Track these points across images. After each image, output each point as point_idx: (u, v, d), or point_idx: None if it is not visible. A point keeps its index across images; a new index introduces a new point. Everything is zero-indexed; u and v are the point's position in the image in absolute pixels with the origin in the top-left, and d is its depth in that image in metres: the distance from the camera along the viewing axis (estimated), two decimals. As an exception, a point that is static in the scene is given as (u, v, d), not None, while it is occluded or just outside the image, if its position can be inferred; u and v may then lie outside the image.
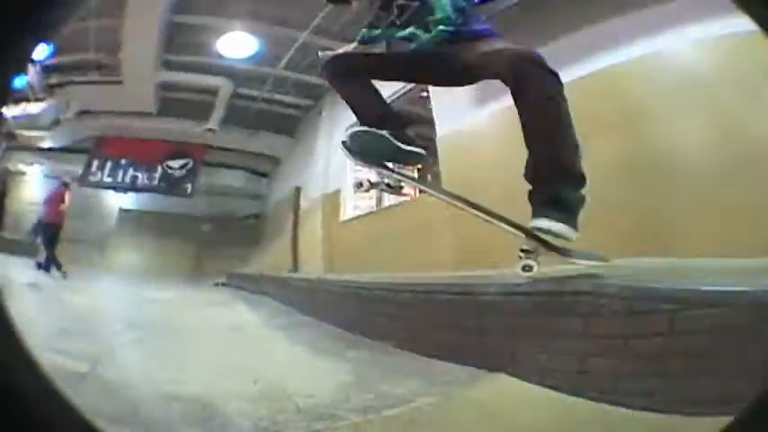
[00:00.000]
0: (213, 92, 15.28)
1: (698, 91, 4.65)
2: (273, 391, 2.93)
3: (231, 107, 15.70)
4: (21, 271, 9.60)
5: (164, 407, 2.58)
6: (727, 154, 4.33)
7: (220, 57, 13.72)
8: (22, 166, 17.66)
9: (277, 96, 15.23)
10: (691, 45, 4.92)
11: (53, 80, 14.84)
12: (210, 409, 2.52)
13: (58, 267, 10.29)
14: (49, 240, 10.69)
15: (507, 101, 5.81)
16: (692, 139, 4.64)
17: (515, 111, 4.73)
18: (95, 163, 17.56)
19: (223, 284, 13.99)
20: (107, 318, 6.40)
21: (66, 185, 11.89)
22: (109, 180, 17.70)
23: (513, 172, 5.84)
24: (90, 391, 2.72)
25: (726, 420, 0.99)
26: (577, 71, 5.46)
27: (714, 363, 2.13)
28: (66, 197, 11.57)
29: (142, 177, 17.61)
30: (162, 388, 2.98)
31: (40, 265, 10.25)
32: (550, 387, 2.74)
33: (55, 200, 11.38)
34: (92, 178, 17.55)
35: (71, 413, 1.05)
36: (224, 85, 14.88)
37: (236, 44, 13.19)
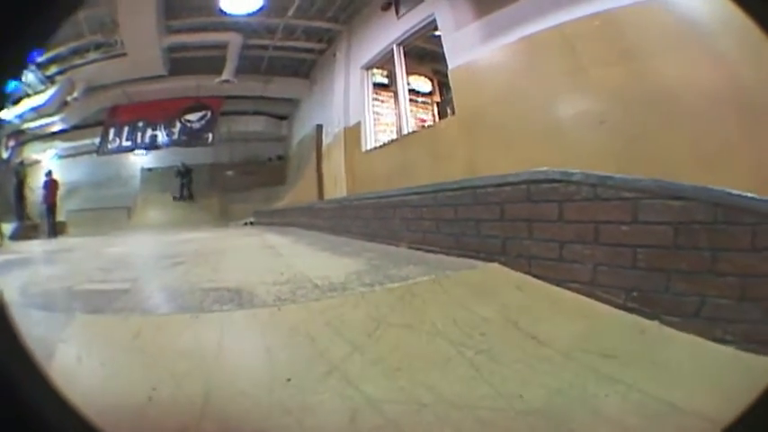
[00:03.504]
0: (223, 46, 15.70)
1: (693, 37, 5.16)
2: (297, 278, 3.66)
3: (243, 58, 16.12)
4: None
5: (199, 295, 3.28)
6: (719, 95, 4.92)
7: (224, 14, 14.06)
8: (35, 156, 19.00)
9: (289, 43, 15.54)
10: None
11: (52, 71, 15.70)
12: (240, 292, 3.23)
13: (55, 235, 14.39)
14: (49, 214, 15.04)
15: (511, 36, 7.15)
16: (686, 80, 5.20)
17: (519, 45, 6.99)
18: (112, 131, 18.50)
19: (251, 223, 15.09)
20: (141, 256, 7.31)
21: (49, 174, 15.81)
22: (128, 144, 18.65)
23: (519, 101, 6.83)
24: (133, 299, 3.44)
25: (726, 420, 1.08)
26: (582, 11, 6.21)
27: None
28: (58, 183, 15.94)
29: (162, 135, 18.41)
30: (197, 286, 3.68)
31: (48, 234, 14.32)
32: (535, 276, 3.36)
33: (49, 187, 15.40)
34: (110, 146, 18.62)
35: (71, 413, 1.11)
36: (233, 39, 15.29)
37: (241, 1, 13.51)
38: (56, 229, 14.80)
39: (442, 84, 12.95)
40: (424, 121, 12.20)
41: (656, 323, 2.65)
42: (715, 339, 2.44)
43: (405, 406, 1.97)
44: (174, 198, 18.26)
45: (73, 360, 2.33)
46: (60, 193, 16.17)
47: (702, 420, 1.79)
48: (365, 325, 2.59)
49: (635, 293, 2.80)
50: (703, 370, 2.30)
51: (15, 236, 13.80)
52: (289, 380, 2.13)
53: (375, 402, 1.98)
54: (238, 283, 3.63)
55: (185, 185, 18.99)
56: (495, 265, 3.63)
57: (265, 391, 2.08)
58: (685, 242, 2.62)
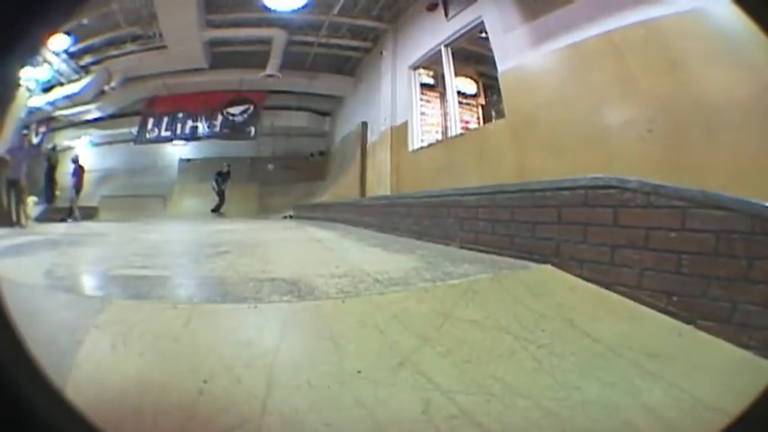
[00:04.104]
0: (267, 42, 15.90)
1: (732, 48, 5.16)
2: (354, 272, 3.84)
3: (288, 53, 16.28)
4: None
5: (253, 285, 3.42)
6: (756, 108, 4.97)
7: (268, 10, 14.23)
8: (68, 142, 19.64)
9: (334, 41, 15.75)
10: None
11: (86, 61, 16.18)
12: (297, 284, 3.39)
13: (78, 219, 14.70)
14: (76, 198, 15.35)
15: (561, 42, 7.19)
16: (725, 91, 5.25)
17: (569, 51, 7.00)
18: (150, 121, 18.91)
19: (291, 217, 15.29)
20: (180, 243, 7.52)
21: (75, 161, 15.91)
22: (167, 134, 19.01)
23: (569, 106, 6.94)
24: (173, 284, 3.69)
25: (726, 420, 1.09)
26: (628, 18, 6.27)
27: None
28: (84, 168, 16.15)
29: (203, 126, 18.73)
30: (249, 276, 3.81)
31: (73, 219, 14.65)
32: (585, 278, 3.55)
33: (77, 173, 15.61)
34: (148, 135, 19.04)
35: (71, 413, 1.10)
36: (277, 35, 15.49)
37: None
38: (78, 213, 14.97)
39: (488, 86, 12.96)
40: (468, 122, 12.09)
41: (691, 327, 2.85)
42: (741, 345, 2.62)
43: (475, 396, 2.13)
44: (214, 211, 18.25)
45: (107, 348, 2.37)
46: (90, 178, 16.74)
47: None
48: (432, 319, 2.78)
49: (675, 298, 2.99)
50: (730, 372, 2.49)
51: (41, 218, 14.29)
52: (359, 372, 2.26)
53: (448, 393, 2.14)
54: (293, 274, 3.78)
55: (223, 192, 18.73)
56: (548, 266, 3.82)
57: (335, 383, 2.17)
58: (725, 250, 2.79)
